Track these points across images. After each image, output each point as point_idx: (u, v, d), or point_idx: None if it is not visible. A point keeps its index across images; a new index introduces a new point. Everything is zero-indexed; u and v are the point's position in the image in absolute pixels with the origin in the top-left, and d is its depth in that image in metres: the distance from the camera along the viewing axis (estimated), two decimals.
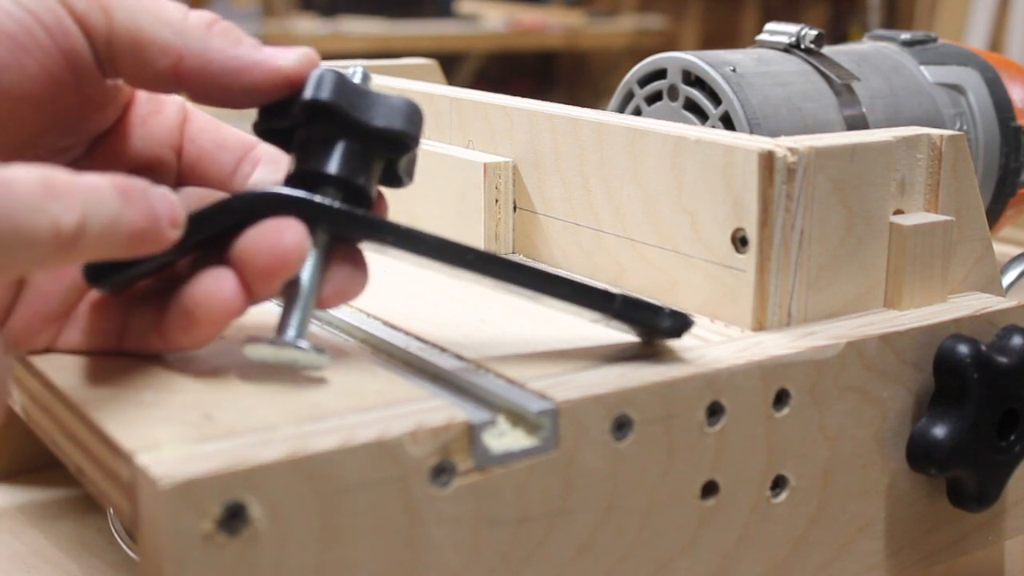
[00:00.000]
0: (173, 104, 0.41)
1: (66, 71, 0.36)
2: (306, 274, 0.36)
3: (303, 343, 0.35)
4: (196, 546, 0.30)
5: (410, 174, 0.39)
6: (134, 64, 0.37)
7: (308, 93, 0.36)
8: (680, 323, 0.38)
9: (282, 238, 0.34)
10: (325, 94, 0.36)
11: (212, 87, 0.37)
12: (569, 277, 0.38)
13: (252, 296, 0.35)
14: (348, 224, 0.36)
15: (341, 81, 0.37)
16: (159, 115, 0.41)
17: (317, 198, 0.36)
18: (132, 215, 0.32)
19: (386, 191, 0.40)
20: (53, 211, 0.29)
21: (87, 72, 0.37)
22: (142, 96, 0.41)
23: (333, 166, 0.37)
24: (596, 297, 0.37)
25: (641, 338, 0.39)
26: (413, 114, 0.38)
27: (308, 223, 0.35)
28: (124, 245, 0.32)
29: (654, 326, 0.38)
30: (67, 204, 0.30)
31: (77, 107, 0.38)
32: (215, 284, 0.35)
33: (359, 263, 0.37)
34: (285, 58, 0.37)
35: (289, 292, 0.36)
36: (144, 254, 0.33)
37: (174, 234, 0.33)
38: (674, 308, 0.38)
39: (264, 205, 0.35)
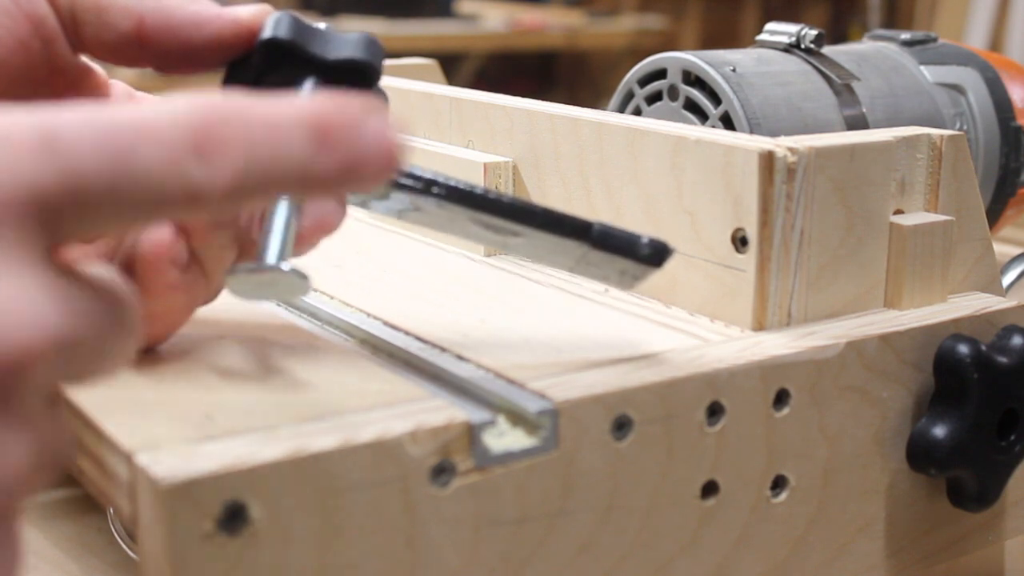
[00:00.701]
0: (149, 100, 0.42)
1: (34, 37, 0.37)
2: (282, 204, 0.35)
3: (284, 265, 0.34)
4: (196, 546, 0.30)
5: None
6: (97, 28, 0.37)
7: (266, 33, 0.37)
8: (659, 250, 0.37)
9: None
10: (282, 32, 0.37)
11: (175, 44, 0.37)
12: (547, 208, 0.37)
13: (184, 230, 0.35)
14: None
15: (297, 21, 0.37)
16: None
17: None
18: (326, 163, 0.28)
19: None
20: (191, 173, 0.26)
21: (54, 39, 0.37)
22: (119, 88, 0.42)
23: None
24: (573, 226, 0.37)
25: (622, 279, 0.38)
26: (371, 45, 0.38)
27: None
28: (312, 193, 0.30)
29: (633, 254, 0.37)
30: (217, 163, 0.26)
31: (50, 83, 0.38)
32: (145, 232, 0.35)
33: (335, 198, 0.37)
34: (243, 10, 0.38)
35: (267, 220, 0.35)
36: (341, 196, 0.34)
37: (384, 178, 0.29)
38: (653, 237, 0.37)
39: None
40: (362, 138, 0.28)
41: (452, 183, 0.37)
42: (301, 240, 0.36)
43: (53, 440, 0.26)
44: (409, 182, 0.36)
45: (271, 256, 0.34)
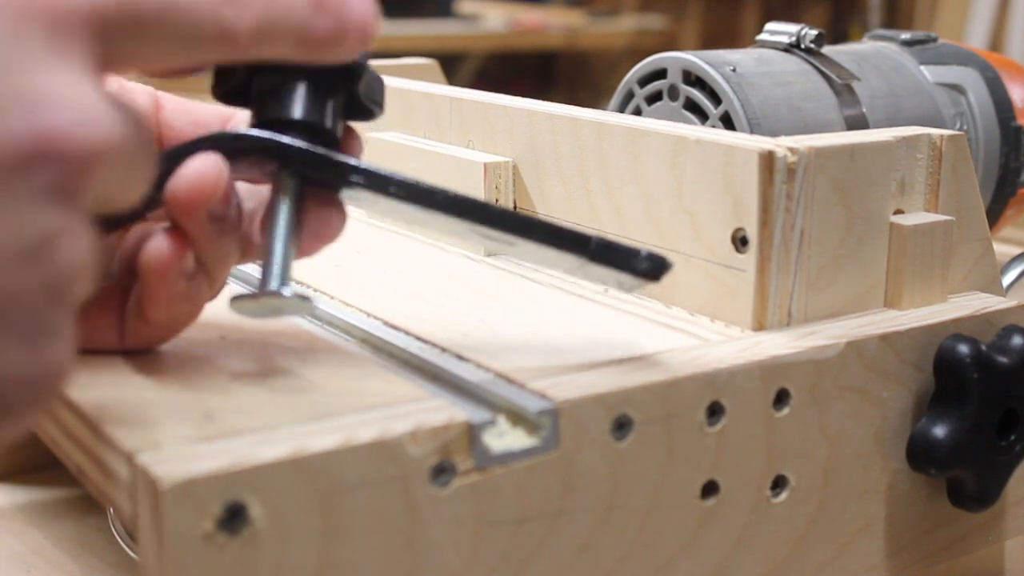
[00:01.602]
0: (144, 95, 0.41)
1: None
2: (280, 221, 0.36)
3: (285, 290, 0.35)
4: (196, 546, 0.30)
5: (377, 102, 0.39)
6: None
7: None
8: (657, 265, 0.37)
9: (192, 169, 0.34)
10: None
11: None
12: (546, 221, 0.37)
13: (190, 241, 0.35)
14: (309, 162, 0.36)
15: None
16: None
17: (266, 134, 0.36)
18: (321, 25, 0.33)
19: None
20: (225, 15, 0.31)
21: None
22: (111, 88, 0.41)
23: (285, 109, 0.36)
24: (572, 240, 0.37)
25: (621, 287, 0.38)
26: None
27: (274, 166, 0.36)
28: (303, 53, 0.34)
29: (631, 268, 0.37)
30: (244, 9, 0.31)
31: None
32: (149, 241, 0.35)
33: (335, 206, 0.37)
34: None
35: (266, 244, 0.36)
36: (325, 63, 0.34)
37: (360, 48, 0.35)
38: (651, 251, 0.37)
39: (217, 145, 0.35)
40: (349, 9, 0.34)
41: (452, 195, 0.36)
42: (302, 252, 0.37)
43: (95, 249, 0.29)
44: (409, 193, 0.36)
45: (274, 282, 0.35)
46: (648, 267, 0.37)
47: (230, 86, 0.37)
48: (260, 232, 0.37)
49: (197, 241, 0.36)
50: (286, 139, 0.36)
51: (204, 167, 0.34)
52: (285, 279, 0.35)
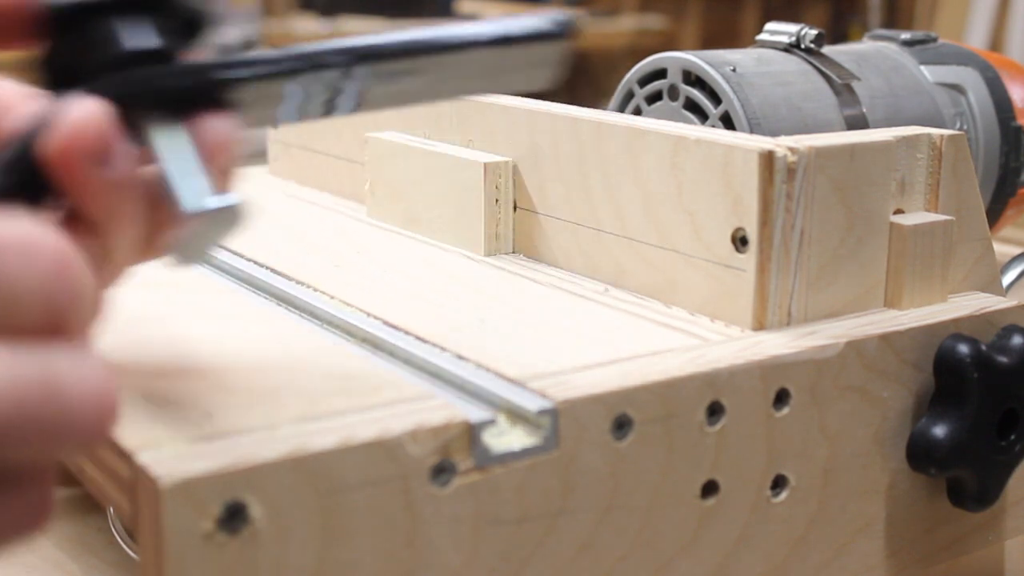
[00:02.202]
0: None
1: None
2: (167, 151, 0.32)
3: (209, 202, 0.31)
4: (196, 545, 0.30)
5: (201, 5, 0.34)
6: None
7: None
8: (563, 22, 0.34)
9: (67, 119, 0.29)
10: None
11: None
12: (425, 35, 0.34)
13: (71, 197, 0.30)
14: (148, 87, 0.32)
15: None
16: None
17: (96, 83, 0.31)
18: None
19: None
20: None
21: None
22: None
23: (104, 49, 0.32)
24: (473, 40, 0.34)
25: (538, 77, 0.35)
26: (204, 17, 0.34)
27: (127, 111, 0.31)
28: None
29: (540, 36, 0.34)
30: None
31: None
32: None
33: (213, 117, 0.33)
34: None
35: (161, 170, 0.32)
36: None
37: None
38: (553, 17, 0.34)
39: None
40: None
41: (321, 49, 0.33)
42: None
43: None
44: (269, 68, 0.33)
45: (187, 202, 0.31)
46: (556, 27, 0.33)
47: (54, 64, 0.33)
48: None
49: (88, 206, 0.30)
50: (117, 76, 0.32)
51: (81, 114, 0.29)
52: (200, 191, 0.31)
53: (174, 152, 0.32)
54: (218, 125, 0.32)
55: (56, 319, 0.26)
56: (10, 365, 0.25)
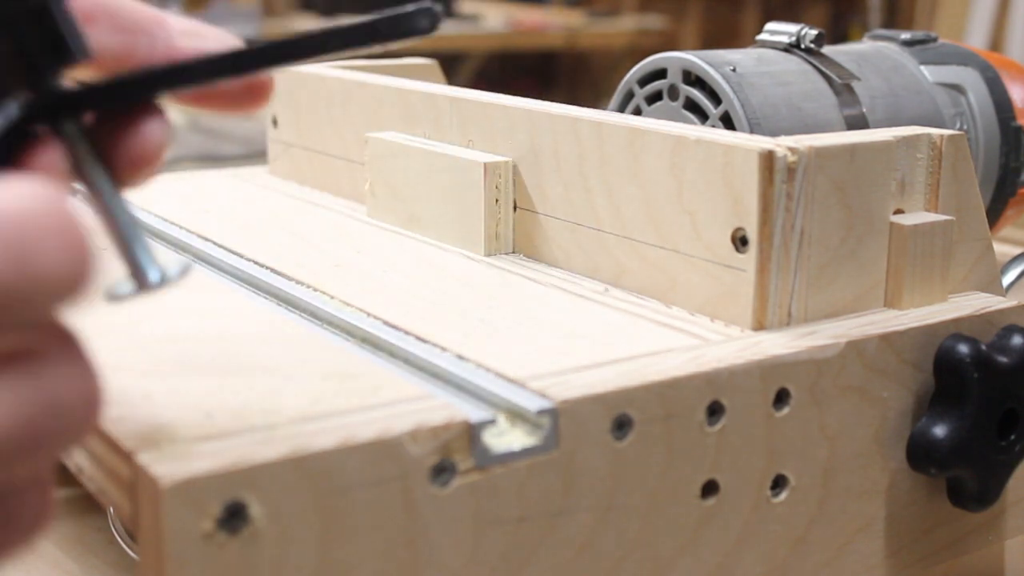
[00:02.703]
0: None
1: None
2: (107, 198, 0.30)
3: (153, 275, 0.30)
4: (196, 545, 0.30)
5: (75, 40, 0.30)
6: None
7: None
8: (428, 12, 0.32)
9: None
10: None
11: None
12: (306, 33, 0.32)
13: None
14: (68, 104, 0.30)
15: None
16: None
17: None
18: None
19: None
20: None
21: None
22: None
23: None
24: (342, 37, 0.33)
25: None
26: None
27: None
28: None
29: (410, 29, 0.32)
30: None
31: None
32: None
33: (141, 120, 0.31)
34: None
35: (111, 235, 0.30)
36: None
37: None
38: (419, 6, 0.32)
39: None
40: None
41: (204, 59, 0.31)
42: (128, 181, 0.31)
43: None
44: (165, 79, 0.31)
45: (147, 275, 0.30)
46: (425, 21, 0.32)
47: None
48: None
49: None
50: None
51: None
52: (146, 264, 0.30)
53: (122, 214, 0.30)
54: (154, 128, 0.31)
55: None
56: (11, 387, 0.25)
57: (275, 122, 0.70)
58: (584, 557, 0.36)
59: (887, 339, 0.41)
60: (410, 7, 0.32)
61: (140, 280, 0.30)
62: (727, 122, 0.49)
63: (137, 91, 0.31)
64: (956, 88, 0.56)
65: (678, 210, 0.44)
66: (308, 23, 3.26)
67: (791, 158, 0.40)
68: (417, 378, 0.37)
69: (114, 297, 0.30)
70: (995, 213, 0.57)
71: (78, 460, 0.35)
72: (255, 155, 1.14)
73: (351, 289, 0.46)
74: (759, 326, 0.41)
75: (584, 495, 0.36)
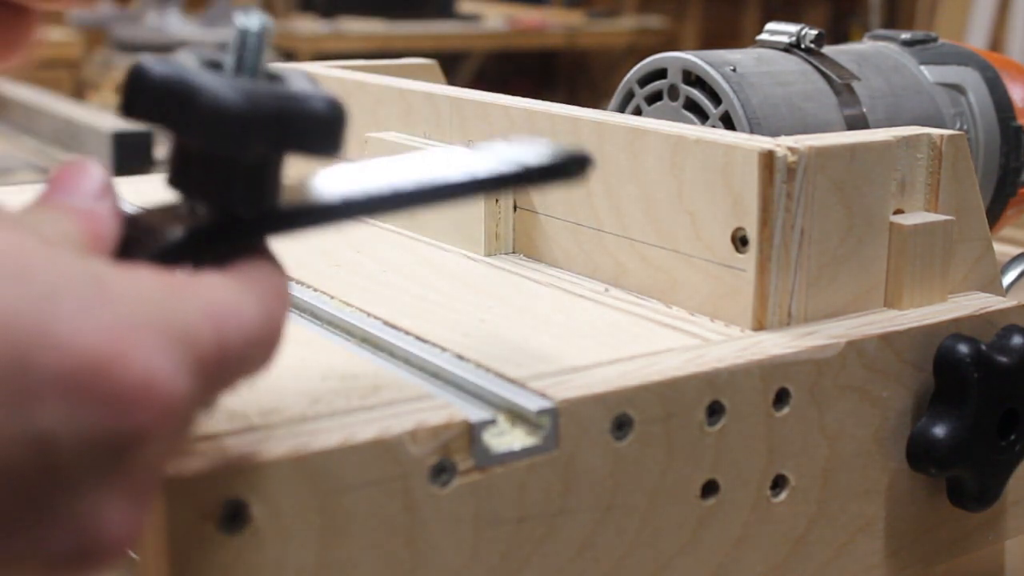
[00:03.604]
0: None
1: None
2: None
3: None
4: (196, 545, 0.30)
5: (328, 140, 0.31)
6: None
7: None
8: (580, 160, 0.33)
9: None
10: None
11: None
12: (460, 180, 0.32)
13: None
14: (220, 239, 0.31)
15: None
16: None
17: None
18: None
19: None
20: None
21: None
22: None
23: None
24: (492, 185, 0.33)
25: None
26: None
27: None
28: None
29: (562, 173, 0.33)
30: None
31: None
32: None
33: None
34: None
35: None
36: None
37: None
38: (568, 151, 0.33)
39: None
40: None
41: (353, 202, 0.32)
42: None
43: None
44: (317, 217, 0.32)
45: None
46: (575, 166, 0.33)
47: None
48: None
49: None
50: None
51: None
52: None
53: None
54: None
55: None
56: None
57: None
58: (584, 557, 0.36)
59: (887, 339, 0.41)
60: (564, 155, 0.33)
61: None
62: (727, 122, 0.49)
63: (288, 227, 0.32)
64: (956, 88, 0.56)
65: (678, 210, 0.44)
66: (308, 23, 3.26)
67: (791, 158, 0.40)
68: (417, 378, 0.37)
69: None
70: (995, 213, 0.57)
71: None
72: None
73: (351, 289, 0.46)
74: (759, 326, 0.41)
75: (584, 495, 0.36)
